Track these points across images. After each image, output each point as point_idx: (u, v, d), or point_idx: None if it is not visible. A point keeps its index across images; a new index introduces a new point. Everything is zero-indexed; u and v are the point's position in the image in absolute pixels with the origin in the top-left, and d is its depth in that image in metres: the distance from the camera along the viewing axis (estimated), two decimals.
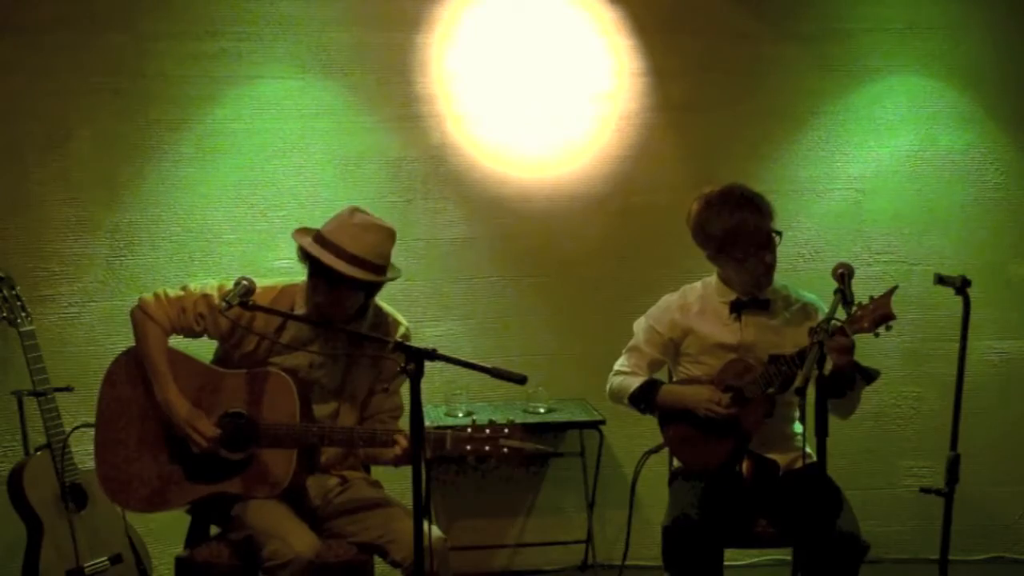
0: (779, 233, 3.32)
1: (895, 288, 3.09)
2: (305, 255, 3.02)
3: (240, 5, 4.32)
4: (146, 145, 4.30)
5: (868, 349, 4.44)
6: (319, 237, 3.01)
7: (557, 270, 4.53)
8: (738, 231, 3.25)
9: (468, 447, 2.82)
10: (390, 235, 3.05)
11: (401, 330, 3.22)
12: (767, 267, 3.30)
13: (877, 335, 3.06)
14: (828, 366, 3.17)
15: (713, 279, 3.45)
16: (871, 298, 3.07)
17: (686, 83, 4.51)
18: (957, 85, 4.59)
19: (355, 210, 3.07)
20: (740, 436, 3.29)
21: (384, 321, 3.21)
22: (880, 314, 3.04)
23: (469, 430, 2.83)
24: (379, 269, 3.01)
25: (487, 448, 2.80)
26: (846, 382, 3.18)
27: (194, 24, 4.30)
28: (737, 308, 3.36)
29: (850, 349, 3.08)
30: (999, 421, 4.61)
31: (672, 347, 3.45)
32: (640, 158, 4.52)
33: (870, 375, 3.24)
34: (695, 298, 3.45)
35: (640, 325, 3.51)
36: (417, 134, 4.43)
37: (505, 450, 2.80)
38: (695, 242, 3.40)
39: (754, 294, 3.36)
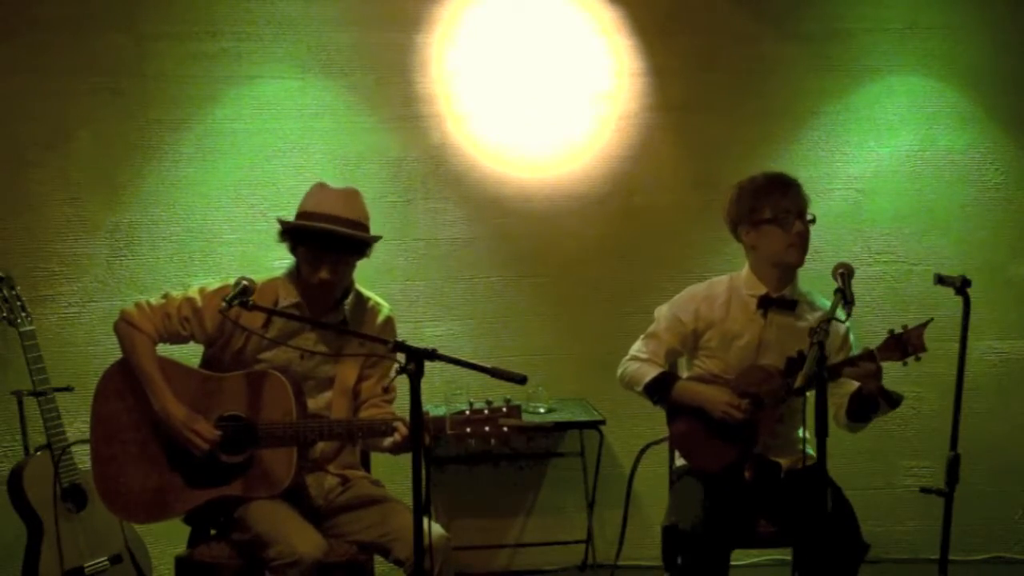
0: (812, 217, 3.30)
1: (930, 321, 3.08)
2: (301, 234, 3.04)
3: (240, 5, 4.33)
4: (146, 145, 4.30)
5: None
6: (307, 215, 3.05)
7: (557, 270, 4.53)
8: (771, 198, 3.25)
9: (468, 429, 2.82)
10: (362, 197, 3.18)
11: (384, 312, 3.24)
12: (798, 236, 3.24)
13: (905, 364, 3.07)
14: (854, 386, 3.19)
15: (743, 272, 3.41)
16: (905, 327, 3.07)
17: (686, 83, 4.52)
18: (957, 85, 4.59)
19: (324, 184, 3.16)
20: (748, 439, 3.28)
21: (365, 305, 3.23)
22: (912, 346, 3.04)
23: (467, 413, 2.84)
24: (368, 229, 3.14)
25: (487, 429, 2.81)
26: (871, 406, 3.18)
27: (194, 24, 4.30)
28: (764, 304, 3.33)
29: (877, 374, 3.09)
30: (999, 421, 4.62)
31: (692, 338, 3.41)
32: (640, 158, 4.52)
33: (894, 400, 3.24)
34: (722, 290, 3.40)
35: (662, 312, 3.46)
36: (417, 134, 4.43)
37: (505, 429, 2.80)
38: (732, 231, 3.36)
39: (786, 279, 3.32)
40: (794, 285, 3.36)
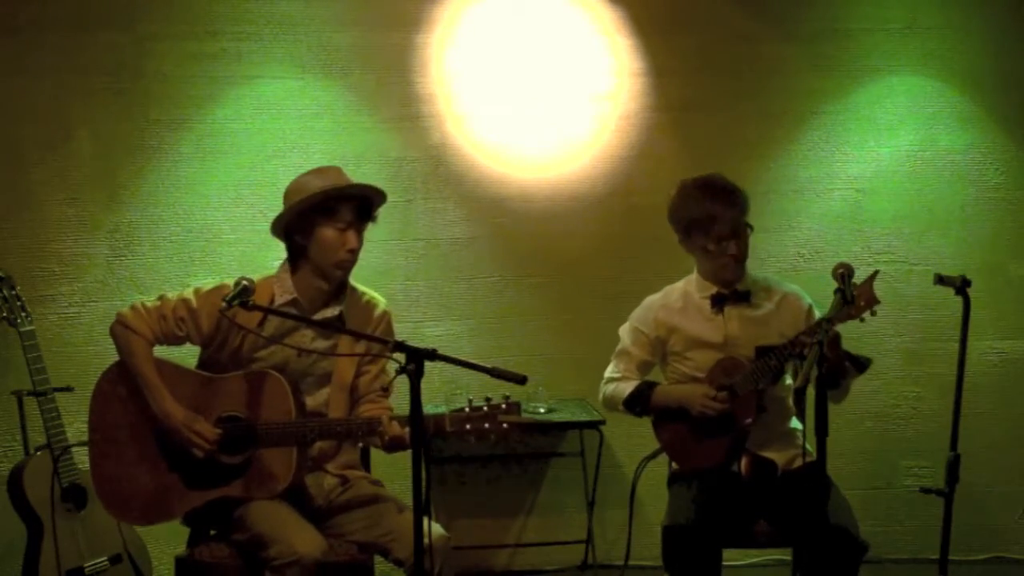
0: (750, 226, 3.32)
1: (876, 273, 3.10)
2: (316, 209, 3.05)
3: (240, 5, 4.33)
4: (146, 145, 4.30)
5: (868, 349, 4.47)
6: (312, 196, 3.06)
7: (557, 270, 4.53)
8: (704, 219, 3.27)
9: (468, 426, 2.83)
10: None
11: (381, 306, 3.24)
12: (732, 258, 3.29)
13: (862, 320, 3.06)
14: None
15: (693, 275, 3.45)
16: (854, 285, 3.07)
17: (686, 83, 4.51)
18: (957, 85, 4.59)
19: (312, 169, 3.20)
20: (736, 435, 3.29)
21: (360, 300, 3.23)
22: (864, 300, 3.04)
23: (467, 410, 2.84)
24: None
25: (487, 426, 2.82)
26: (839, 372, 3.18)
27: (194, 24, 4.30)
28: (718, 302, 3.36)
29: (836, 340, 3.08)
30: (999, 421, 4.62)
31: (659, 346, 3.45)
32: (640, 158, 4.52)
33: (861, 364, 3.24)
34: (677, 296, 3.45)
35: (625, 329, 3.51)
36: (417, 134, 4.43)
37: (505, 425, 2.81)
38: (670, 226, 3.40)
39: (730, 285, 3.35)
40: (745, 277, 3.38)
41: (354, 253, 3.10)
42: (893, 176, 4.61)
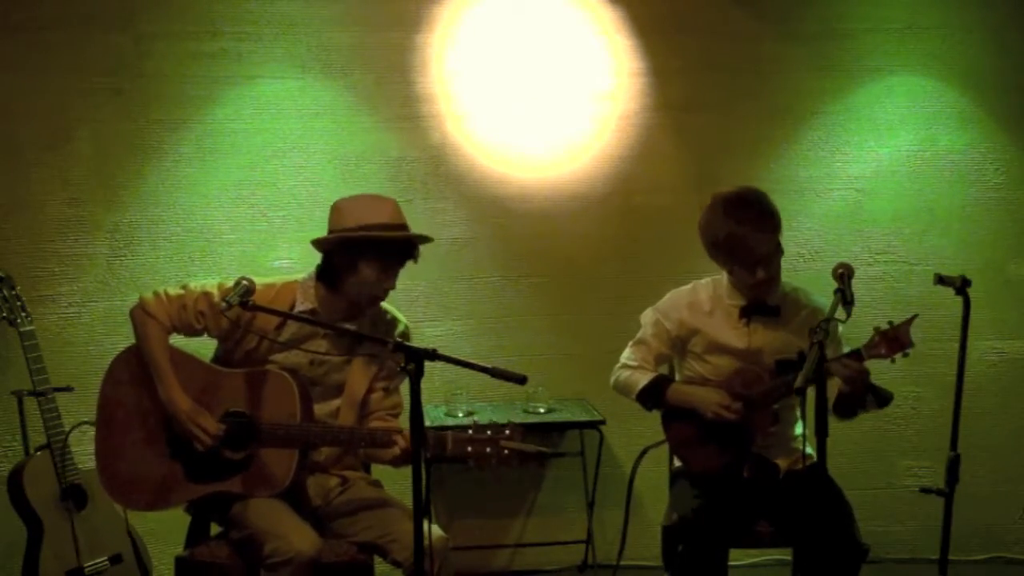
0: (780, 249, 3.25)
1: (915, 317, 3.08)
2: (366, 245, 3.01)
3: (240, 5, 4.33)
4: (146, 145, 4.30)
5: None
6: (375, 227, 3.03)
7: (557, 270, 4.53)
8: (730, 243, 3.19)
9: (469, 448, 2.81)
10: None
11: (400, 327, 3.23)
12: (759, 282, 3.22)
13: (893, 361, 3.05)
14: (836, 385, 3.16)
15: (724, 279, 3.39)
16: (890, 324, 3.06)
17: (686, 83, 4.51)
18: (957, 85, 4.59)
19: (372, 195, 3.23)
20: (743, 444, 3.28)
21: (383, 318, 3.22)
22: (899, 342, 3.03)
23: (470, 431, 2.83)
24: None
25: (488, 450, 2.80)
26: (858, 403, 3.17)
27: (194, 24, 4.30)
28: (747, 313, 3.32)
29: (864, 375, 3.07)
30: (999, 421, 4.62)
31: (679, 343, 3.42)
32: (640, 158, 4.52)
33: (884, 398, 3.22)
34: (706, 297, 3.39)
35: (648, 318, 3.46)
36: (417, 134, 4.43)
37: (506, 452, 2.79)
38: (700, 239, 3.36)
39: (761, 300, 3.32)
40: (775, 291, 3.34)
41: (386, 294, 3.11)
42: (893, 176, 4.61)
